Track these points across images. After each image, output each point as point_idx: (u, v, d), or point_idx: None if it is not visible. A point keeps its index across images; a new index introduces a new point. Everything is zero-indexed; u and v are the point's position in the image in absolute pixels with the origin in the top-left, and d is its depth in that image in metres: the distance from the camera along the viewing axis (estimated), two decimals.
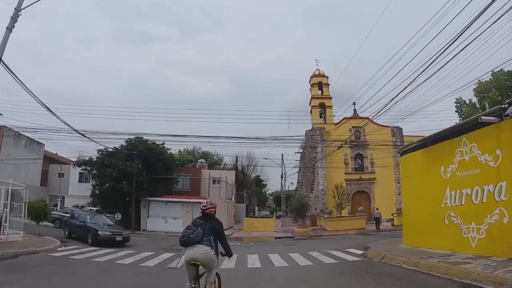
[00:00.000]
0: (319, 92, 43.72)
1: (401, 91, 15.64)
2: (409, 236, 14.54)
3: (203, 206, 5.72)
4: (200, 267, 5.29)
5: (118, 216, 29.22)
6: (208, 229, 5.37)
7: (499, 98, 34.95)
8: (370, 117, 27.70)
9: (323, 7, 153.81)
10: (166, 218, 30.23)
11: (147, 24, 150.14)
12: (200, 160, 45.29)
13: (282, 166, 40.59)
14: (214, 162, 62.28)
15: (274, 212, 58.22)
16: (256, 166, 71.80)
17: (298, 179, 41.92)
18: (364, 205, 35.69)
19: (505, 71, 36.94)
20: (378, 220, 29.37)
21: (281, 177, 41.63)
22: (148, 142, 31.85)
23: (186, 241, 5.21)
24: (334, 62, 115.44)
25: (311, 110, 44.12)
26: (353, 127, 40.28)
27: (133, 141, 30.94)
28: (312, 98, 43.51)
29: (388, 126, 40.25)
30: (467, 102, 44.61)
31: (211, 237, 5.38)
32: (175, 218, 29.96)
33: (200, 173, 37.94)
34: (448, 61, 12.05)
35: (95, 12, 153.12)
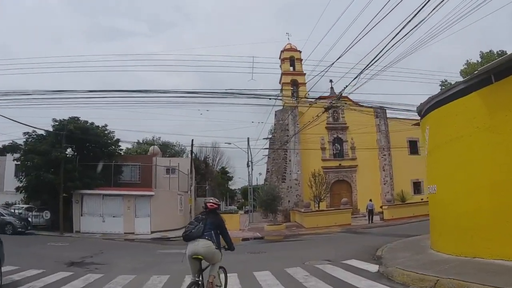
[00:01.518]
0: (291, 68, 38.06)
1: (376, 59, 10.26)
2: (448, 238, 9.16)
3: (206, 201, 6.05)
4: (203, 261, 5.46)
5: (47, 214, 23.75)
6: (210, 224, 5.58)
7: None
8: (347, 94, 22.59)
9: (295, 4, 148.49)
10: (104, 216, 24.04)
11: (115, 19, 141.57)
12: (152, 147, 38.66)
13: (248, 152, 34.92)
14: (175, 153, 55.54)
15: (243, 207, 52.80)
16: (221, 158, 66.75)
17: (267, 168, 36.22)
18: (345, 197, 30.55)
19: (495, 52, 35.47)
20: (371, 213, 25.78)
21: (247, 165, 35.91)
22: (82, 122, 25.75)
23: (188, 236, 5.47)
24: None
25: (281, 89, 38.43)
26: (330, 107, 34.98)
27: (62, 121, 24.70)
28: (282, 74, 37.72)
29: (371, 107, 35.46)
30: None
31: (212, 232, 5.56)
32: (114, 216, 24.05)
33: (151, 162, 31.69)
34: None
35: (62, 7, 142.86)
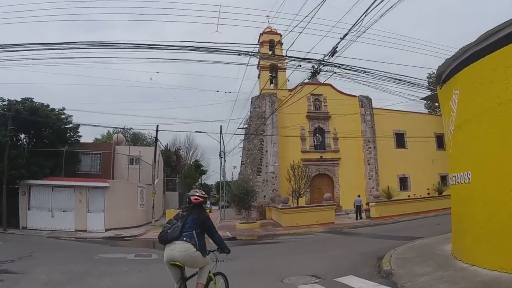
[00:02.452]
0: (270, 52, 34.93)
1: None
2: (491, 247, 6.43)
3: (190, 194, 5.02)
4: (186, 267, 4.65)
5: None
6: (191, 221, 4.66)
7: None
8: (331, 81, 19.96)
9: None
10: (53, 210, 20.58)
11: (95, 10, 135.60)
12: (116, 134, 34.92)
13: (220, 140, 31.71)
14: (146, 145, 51.57)
15: (218, 203, 49.55)
16: (195, 151, 63.63)
17: (242, 161, 33.05)
18: (326, 192, 27.76)
19: None
20: (359, 209, 24.26)
21: (220, 156, 32.74)
22: (37, 104, 22.60)
23: (163, 238, 4.59)
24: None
25: (259, 75, 35.35)
26: (311, 94, 32.09)
27: (11, 100, 21.61)
28: (261, 58, 34.62)
29: (355, 96, 33.08)
30: None
31: (194, 232, 4.61)
32: (64, 211, 20.58)
33: (114, 151, 28.28)
34: None
35: None
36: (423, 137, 33.26)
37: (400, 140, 34.40)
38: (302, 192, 24.82)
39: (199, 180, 69.20)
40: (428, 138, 35.10)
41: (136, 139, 49.70)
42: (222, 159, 32.86)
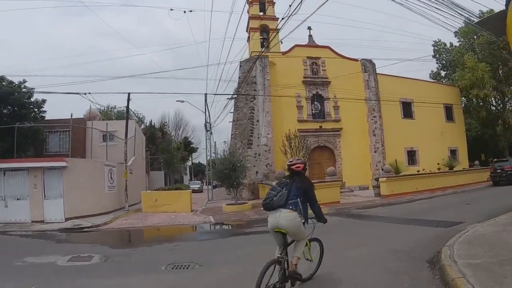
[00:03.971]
0: (261, 14, 30.95)
1: None
2: None
3: (289, 162, 5.14)
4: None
5: None
6: (295, 189, 4.77)
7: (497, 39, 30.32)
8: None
9: None
10: (6, 199, 16.74)
11: None
12: (89, 108, 30.88)
13: (205, 110, 28.05)
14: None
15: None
16: (185, 128, 60.26)
17: (231, 134, 29.42)
18: (327, 166, 24.54)
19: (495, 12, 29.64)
20: None
21: (205, 127, 29.13)
22: None
23: (269, 205, 4.74)
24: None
25: (248, 37, 31.39)
26: (308, 57, 28.52)
27: None
28: (250, 19, 30.60)
29: (357, 60, 29.81)
30: (448, 45, 41.55)
31: (298, 199, 4.74)
32: (18, 199, 16.71)
33: (86, 128, 24.75)
34: None
35: None
36: (431, 107, 30.22)
37: (407, 109, 31.46)
38: None
39: (190, 158, 65.83)
40: (437, 109, 32.21)
41: (121, 116, 45.92)
42: (209, 132, 29.32)
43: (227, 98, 29.32)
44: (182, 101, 29.01)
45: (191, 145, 62.47)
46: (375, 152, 27.58)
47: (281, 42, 29.72)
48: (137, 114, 55.06)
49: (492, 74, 34.19)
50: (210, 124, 29.33)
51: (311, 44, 29.84)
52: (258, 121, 25.67)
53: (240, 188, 21.71)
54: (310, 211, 5.01)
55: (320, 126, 27.44)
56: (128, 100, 22.85)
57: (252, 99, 26.33)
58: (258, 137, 25.40)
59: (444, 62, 42.94)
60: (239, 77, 28.23)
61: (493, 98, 36.51)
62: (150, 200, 19.83)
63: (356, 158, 27.16)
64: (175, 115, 60.57)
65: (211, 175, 27.23)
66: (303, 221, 4.73)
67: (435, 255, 6.34)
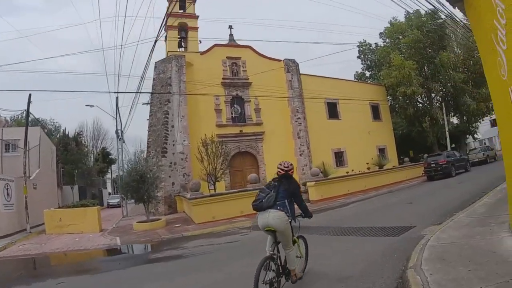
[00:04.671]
0: (181, 11, 30.17)
1: None
2: None
3: (284, 167, 5.71)
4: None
5: None
6: (283, 191, 5.43)
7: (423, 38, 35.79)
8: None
9: None
10: None
11: None
12: None
13: (116, 116, 26.91)
14: (48, 133, 44.44)
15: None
16: (104, 137, 57.93)
17: (148, 141, 28.24)
18: (250, 173, 24.27)
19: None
20: None
21: (116, 134, 27.91)
22: None
23: (258, 206, 5.35)
24: None
25: (166, 36, 30.46)
26: (228, 58, 28.22)
27: None
28: (168, 15, 29.69)
29: (280, 60, 29.91)
30: (373, 45, 44.02)
31: (286, 201, 5.40)
32: None
33: None
34: None
35: None
36: (357, 105, 31.27)
37: (332, 110, 32.10)
38: (219, 175, 20.93)
39: (109, 170, 63.28)
40: (363, 108, 33.39)
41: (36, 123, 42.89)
42: (121, 140, 28.14)
43: (142, 103, 28.43)
44: (92, 106, 27.58)
45: (110, 156, 59.92)
46: (300, 155, 27.62)
47: (200, 42, 29.35)
48: (53, 122, 52.37)
49: (418, 72, 35.99)
50: (122, 132, 28.16)
51: (232, 44, 29.58)
52: (173, 126, 24.75)
53: (154, 202, 20.78)
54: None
55: (241, 131, 27.05)
56: (29, 102, 20.94)
57: (166, 103, 25.37)
58: (174, 144, 24.50)
59: (369, 62, 44.75)
60: (153, 79, 27.27)
61: (420, 95, 38.35)
62: (54, 220, 18.18)
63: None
64: (93, 123, 58.34)
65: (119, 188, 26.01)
66: (290, 219, 5.33)
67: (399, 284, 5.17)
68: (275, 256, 5.25)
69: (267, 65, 28.81)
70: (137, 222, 18.13)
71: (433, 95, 39.90)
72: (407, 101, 37.95)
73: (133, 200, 26.55)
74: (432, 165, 25.17)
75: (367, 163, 28.43)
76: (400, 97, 36.65)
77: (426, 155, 31.10)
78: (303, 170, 26.80)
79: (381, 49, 40.43)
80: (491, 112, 46.56)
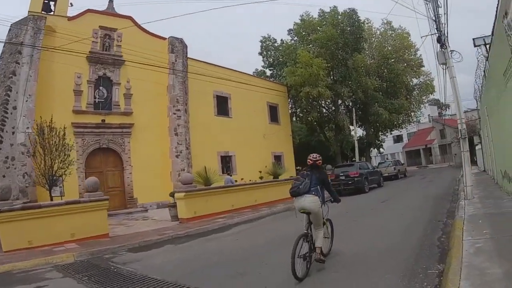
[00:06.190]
0: None
1: None
2: None
3: (312, 158, 7.53)
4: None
5: None
6: (315, 179, 7.18)
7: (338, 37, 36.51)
8: None
9: None
10: None
11: None
12: None
13: None
14: None
15: None
16: None
17: None
18: (113, 176, 22.16)
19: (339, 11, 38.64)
20: None
21: None
22: None
23: (296, 192, 7.08)
24: None
25: None
26: (101, 28, 25.52)
27: None
28: None
29: (165, 38, 27.80)
30: (278, 42, 44.57)
31: (318, 187, 7.16)
32: None
33: None
34: None
35: None
36: (253, 105, 30.37)
37: (222, 105, 30.54)
38: (57, 176, 17.41)
39: None
40: (260, 108, 32.62)
41: None
42: None
43: None
44: None
45: None
46: (177, 156, 25.15)
47: (71, 4, 26.73)
48: None
49: (328, 72, 36.13)
50: None
51: (110, 12, 27.02)
52: (15, 108, 21.49)
53: None
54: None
55: (103, 120, 23.95)
56: None
57: (11, 76, 21.97)
58: (13, 132, 21.32)
59: (271, 59, 44.36)
60: (4, 45, 23.70)
61: (326, 99, 38.49)
62: None
63: (153, 165, 24.53)
64: None
65: None
66: (321, 202, 7.07)
67: None
68: (308, 234, 6.92)
69: (149, 42, 26.26)
70: None
71: (340, 101, 40.61)
72: (311, 104, 37.87)
73: None
74: (341, 178, 24.14)
75: (260, 172, 27.67)
76: (304, 99, 35.89)
77: (329, 165, 31.12)
78: (179, 176, 23.23)
79: (287, 45, 40.32)
80: (405, 125, 49.20)
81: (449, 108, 72.36)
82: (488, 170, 22.47)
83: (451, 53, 14.77)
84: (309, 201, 6.88)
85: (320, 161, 7.55)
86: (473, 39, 15.58)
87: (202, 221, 17.05)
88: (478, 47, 15.58)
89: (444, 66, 15.33)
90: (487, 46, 14.40)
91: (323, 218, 7.32)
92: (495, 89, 12.72)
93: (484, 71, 16.85)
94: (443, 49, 14.67)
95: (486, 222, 9.44)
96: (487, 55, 14.15)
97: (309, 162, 7.46)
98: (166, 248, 12.14)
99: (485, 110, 18.16)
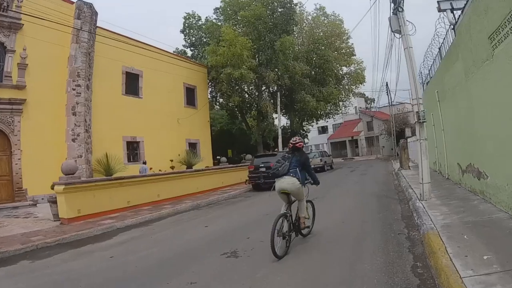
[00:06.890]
0: None
1: None
2: None
3: (292, 141, 8.35)
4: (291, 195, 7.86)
5: None
6: (295, 161, 7.94)
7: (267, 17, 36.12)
8: None
9: None
10: None
11: None
12: None
13: None
14: None
15: None
16: None
17: None
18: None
19: None
20: None
21: None
22: None
23: (275, 174, 7.81)
24: None
25: None
26: None
27: None
28: None
29: (72, 2, 24.72)
30: (204, 19, 43.64)
31: (297, 169, 7.84)
32: None
33: None
34: None
35: None
36: (168, 85, 29.24)
37: (132, 84, 28.37)
38: None
39: None
40: (175, 89, 31.26)
41: None
42: None
43: None
44: None
45: None
46: (73, 140, 22.53)
47: None
48: None
49: (252, 54, 35.10)
50: None
51: None
52: None
53: None
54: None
55: None
56: None
57: None
58: None
59: (193, 39, 43.08)
60: None
61: (249, 82, 37.32)
62: None
63: (47, 150, 21.86)
64: None
65: None
66: (301, 183, 7.82)
67: None
68: (288, 214, 7.61)
69: (55, 6, 22.68)
70: None
71: (264, 86, 39.84)
72: (233, 87, 36.43)
73: None
74: (262, 169, 21.85)
75: (171, 160, 26.38)
76: (225, 82, 34.61)
77: (249, 155, 30.18)
78: (77, 163, 20.43)
79: (211, 23, 38.84)
80: (332, 115, 49.70)
81: (374, 102, 74.62)
82: (433, 164, 21.29)
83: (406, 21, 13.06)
84: (288, 182, 7.60)
85: (301, 143, 8.34)
86: (438, 1, 13.63)
87: (88, 222, 14.29)
88: (443, 13, 13.60)
89: (398, 35, 13.42)
90: (454, 13, 13.02)
91: (305, 199, 8.16)
92: (462, 64, 11.16)
93: (439, 48, 15.83)
94: (398, 13, 12.63)
95: (474, 237, 6.59)
96: (454, 22, 12.63)
97: (289, 145, 8.33)
98: (11, 270, 8.36)
99: (436, 94, 17.03)
